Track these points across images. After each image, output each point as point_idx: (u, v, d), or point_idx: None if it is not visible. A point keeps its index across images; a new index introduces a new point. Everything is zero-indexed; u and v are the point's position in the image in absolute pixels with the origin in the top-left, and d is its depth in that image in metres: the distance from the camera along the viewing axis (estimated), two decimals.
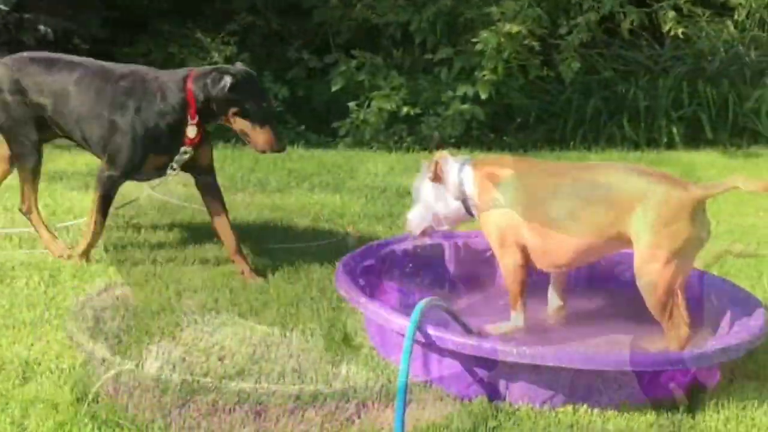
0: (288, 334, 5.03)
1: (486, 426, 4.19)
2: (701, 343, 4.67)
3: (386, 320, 4.62)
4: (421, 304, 4.51)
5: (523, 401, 4.37)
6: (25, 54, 6.06)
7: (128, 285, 5.58)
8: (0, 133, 5.98)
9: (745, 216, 8.17)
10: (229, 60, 10.68)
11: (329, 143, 11.49)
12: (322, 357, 4.78)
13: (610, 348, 4.85)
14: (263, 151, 5.66)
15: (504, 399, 4.40)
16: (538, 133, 12.29)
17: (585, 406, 4.34)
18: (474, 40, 11.11)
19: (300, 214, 7.49)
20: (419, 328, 4.38)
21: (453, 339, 4.42)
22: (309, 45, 12.33)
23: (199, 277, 5.82)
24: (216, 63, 10.49)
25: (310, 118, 11.85)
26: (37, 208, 6.00)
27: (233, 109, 5.49)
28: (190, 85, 5.51)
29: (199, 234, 6.68)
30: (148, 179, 6.14)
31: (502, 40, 10.85)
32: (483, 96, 10.93)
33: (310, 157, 9.99)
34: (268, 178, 8.65)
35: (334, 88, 10.96)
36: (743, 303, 5.06)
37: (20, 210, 6.03)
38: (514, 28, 10.90)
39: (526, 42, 11.16)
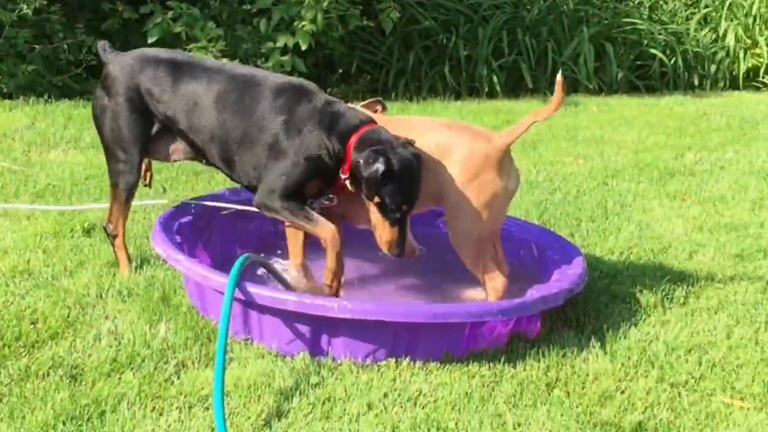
0: (104, 294, 4.98)
1: (308, 382, 4.24)
2: (521, 293, 4.80)
3: (204, 278, 4.62)
4: (240, 260, 4.52)
5: (346, 356, 4.43)
6: (149, 53, 5.20)
7: None
8: (101, 143, 5.22)
9: (565, 165, 8.41)
10: (38, 12, 10.36)
11: None
12: (140, 317, 4.75)
13: (431, 301, 4.96)
14: (381, 249, 4.85)
15: (326, 355, 4.46)
16: (360, 83, 12.38)
17: (407, 359, 4.43)
18: None
19: None
20: (238, 284, 4.40)
21: (273, 295, 4.44)
22: None
23: (11, 238, 5.70)
24: (25, 15, 10.15)
25: None
26: (123, 234, 5.29)
27: (376, 199, 4.71)
28: (352, 142, 4.74)
29: (6, 191, 6.54)
30: None
31: None
32: (303, 47, 10.91)
33: None
34: (82, 134, 8.47)
35: (150, 40, 10.75)
36: (562, 251, 5.23)
37: (104, 229, 5.32)
38: None
39: None
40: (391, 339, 4.43)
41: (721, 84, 13.91)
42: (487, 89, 12.44)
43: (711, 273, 5.77)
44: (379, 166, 4.53)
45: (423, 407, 4.11)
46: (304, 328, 4.47)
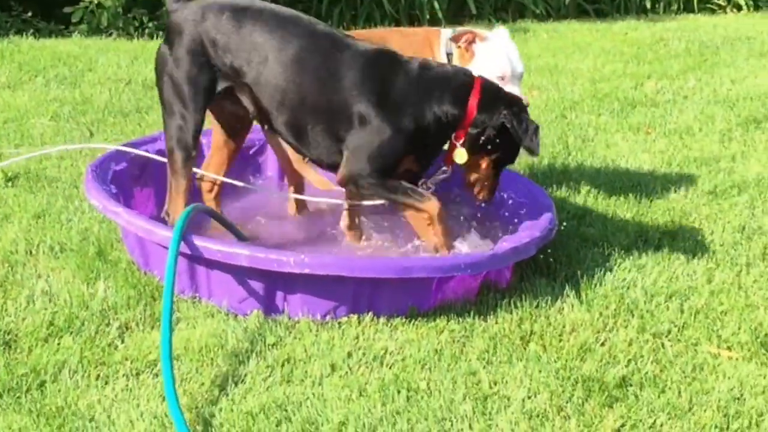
0: (34, 251, 4.79)
1: (264, 342, 4.10)
2: (490, 243, 4.72)
3: (146, 231, 4.44)
4: (185, 211, 4.36)
5: (304, 314, 4.29)
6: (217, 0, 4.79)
7: None
8: (160, 102, 4.80)
9: None
10: None
11: (62, 32, 11.03)
12: (75, 276, 4.57)
13: (394, 254, 4.83)
14: (480, 202, 4.91)
15: (282, 312, 4.31)
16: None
17: (370, 315, 4.30)
18: None
19: (37, 113, 7.14)
20: (184, 238, 4.23)
21: (222, 249, 4.28)
22: None
23: None
24: None
25: (37, 3, 11.29)
26: None
27: (494, 153, 4.72)
28: (473, 103, 4.61)
29: None
30: None
31: None
32: None
33: (42, 47, 9.56)
34: None
35: None
36: (528, 194, 5.12)
37: (162, 217, 4.82)
38: None
39: None
40: (352, 294, 4.29)
41: (675, 7, 13.87)
42: (428, 16, 12.26)
43: (685, 212, 5.71)
44: (532, 124, 4.64)
45: (390, 367, 3.99)
46: (257, 285, 4.31)
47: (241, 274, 4.29)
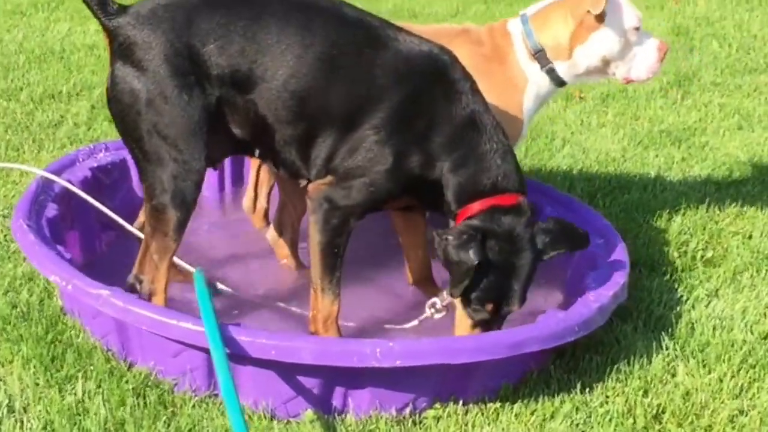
0: None
1: None
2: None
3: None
4: (203, 288, 3.41)
5: (375, 410, 3.36)
6: None
7: None
8: (134, 150, 3.65)
9: None
10: None
11: None
12: (37, 373, 3.49)
13: None
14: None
15: (344, 412, 3.38)
16: None
17: (460, 403, 3.41)
18: None
19: None
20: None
21: (278, 344, 3.26)
22: None
23: None
24: None
25: None
26: (166, 291, 3.72)
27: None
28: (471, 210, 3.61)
29: None
30: None
31: None
32: None
33: None
34: None
35: None
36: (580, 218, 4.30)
37: (130, 284, 3.76)
38: None
39: None
40: (439, 381, 3.40)
41: None
42: None
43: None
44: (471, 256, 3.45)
45: None
46: (311, 381, 3.35)
47: (291, 368, 3.31)
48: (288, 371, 3.31)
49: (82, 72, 6.78)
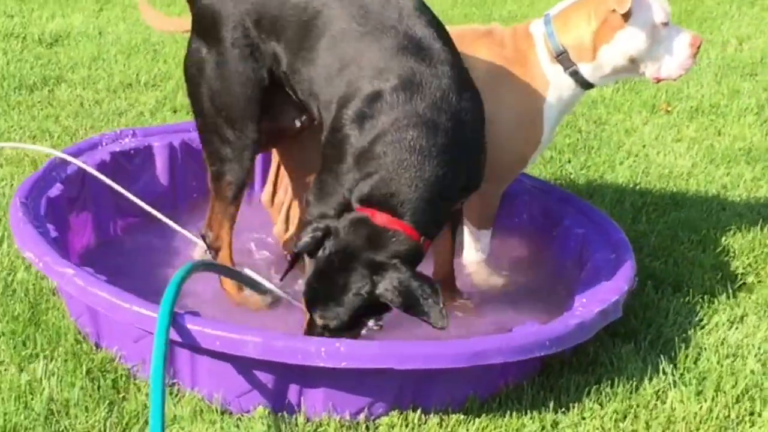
0: None
1: None
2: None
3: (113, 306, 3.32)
4: (179, 273, 3.33)
5: (328, 412, 3.24)
6: None
7: None
8: (196, 117, 3.87)
9: None
10: None
11: None
12: (3, 353, 3.47)
13: None
14: None
15: (297, 411, 3.26)
16: None
17: (418, 412, 3.26)
18: None
19: None
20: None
21: (224, 335, 3.18)
22: None
23: None
24: None
25: None
26: (230, 246, 3.93)
27: None
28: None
29: None
30: None
31: None
32: None
33: None
34: None
35: None
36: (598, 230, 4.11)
37: (201, 235, 3.97)
38: None
39: None
40: (396, 386, 3.26)
41: None
42: None
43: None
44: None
45: None
46: (265, 376, 3.24)
47: (244, 362, 3.22)
48: (242, 365, 3.22)
49: (167, 63, 6.79)
